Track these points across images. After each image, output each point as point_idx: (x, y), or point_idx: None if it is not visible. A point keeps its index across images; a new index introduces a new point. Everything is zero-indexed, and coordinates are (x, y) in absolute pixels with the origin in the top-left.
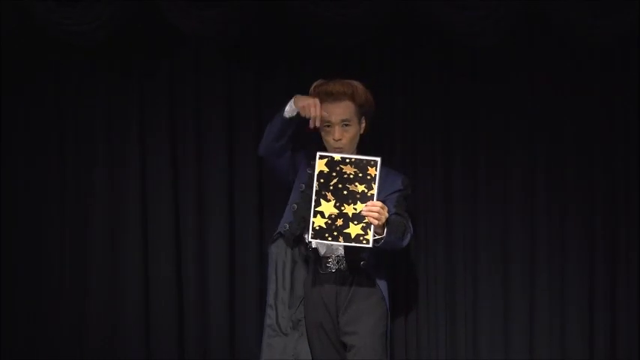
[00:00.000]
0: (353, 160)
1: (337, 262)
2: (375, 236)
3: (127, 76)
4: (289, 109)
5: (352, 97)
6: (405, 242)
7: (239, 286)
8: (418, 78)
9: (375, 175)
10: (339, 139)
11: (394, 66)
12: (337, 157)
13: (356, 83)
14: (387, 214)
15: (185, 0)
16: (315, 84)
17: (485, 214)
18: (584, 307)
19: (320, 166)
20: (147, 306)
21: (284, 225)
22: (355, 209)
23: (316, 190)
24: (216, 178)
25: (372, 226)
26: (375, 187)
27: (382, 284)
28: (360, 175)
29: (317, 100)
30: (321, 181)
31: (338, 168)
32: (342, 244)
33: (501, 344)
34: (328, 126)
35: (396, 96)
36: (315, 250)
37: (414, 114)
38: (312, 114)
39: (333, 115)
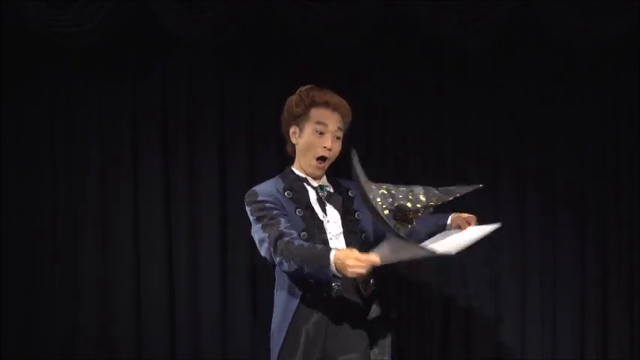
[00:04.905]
0: None
1: (342, 288)
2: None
3: (120, 78)
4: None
5: (343, 115)
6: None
7: (230, 288)
8: (409, 80)
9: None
10: (330, 150)
11: (385, 68)
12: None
13: (345, 102)
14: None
15: (178, 3)
16: (305, 88)
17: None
18: (575, 307)
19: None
20: (138, 307)
21: (335, 286)
22: None
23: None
24: (209, 178)
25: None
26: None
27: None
28: None
29: (361, 262)
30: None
31: None
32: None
33: (493, 344)
34: (321, 132)
35: (387, 98)
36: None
37: (405, 115)
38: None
39: (331, 122)
